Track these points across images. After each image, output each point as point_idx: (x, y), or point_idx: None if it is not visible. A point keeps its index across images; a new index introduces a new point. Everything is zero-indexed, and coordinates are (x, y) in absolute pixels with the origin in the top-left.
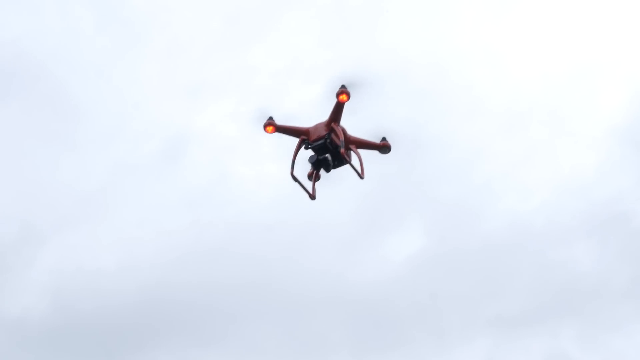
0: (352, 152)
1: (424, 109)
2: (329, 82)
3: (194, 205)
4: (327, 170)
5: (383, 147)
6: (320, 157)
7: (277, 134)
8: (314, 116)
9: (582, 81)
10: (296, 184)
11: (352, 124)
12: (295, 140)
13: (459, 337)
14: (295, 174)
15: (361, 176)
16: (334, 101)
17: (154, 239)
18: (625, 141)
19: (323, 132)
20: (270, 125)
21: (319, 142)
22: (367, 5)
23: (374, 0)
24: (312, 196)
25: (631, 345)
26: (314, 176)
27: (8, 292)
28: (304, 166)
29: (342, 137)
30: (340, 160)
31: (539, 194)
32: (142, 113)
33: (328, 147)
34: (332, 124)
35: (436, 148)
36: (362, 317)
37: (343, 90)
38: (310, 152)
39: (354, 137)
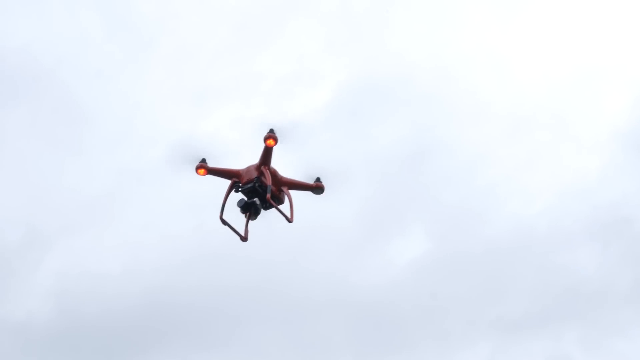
0: (284, 194)
1: (429, 114)
2: (262, 129)
3: (198, 209)
4: (257, 213)
5: (316, 188)
6: (249, 201)
7: (209, 177)
8: (319, 122)
9: (585, 86)
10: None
11: (288, 166)
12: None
13: (462, 340)
14: (224, 217)
15: (289, 220)
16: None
17: (158, 242)
18: (628, 145)
19: (253, 175)
20: (202, 167)
21: (249, 185)
22: (372, 10)
23: (379, 6)
24: (244, 238)
25: (634, 348)
26: (247, 217)
27: (13, 296)
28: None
29: (269, 182)
30: (269, 203)
31: (542, 198)
32: (148, 119)
33: (257, 190)
34: (262, 168)
35: (440, 152)
36: (366, 320)
37: (270, 135)
38: (240, 196)
39: (286, 179)
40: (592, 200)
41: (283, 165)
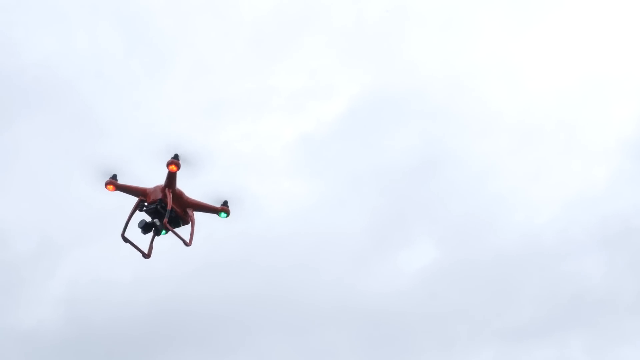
0: (188, 215)
1: (440, 124)
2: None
3: (209, 219)
4: (158, 234)
5: (222, 211)
6: (149, 222)
7: (117, 193)
8: (331, 135)
9: (594, 96)
10: (128, 244)
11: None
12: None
13: (468, 348)
14: (127, 235)
15: (187, 244)
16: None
17: (168, 251)
18: (636, 155)
19: (158, 196)
20: (111, 184)
21: (152, 206)
22: (385, 25)
23: (391, 20)
24: (147, 255)
25: (639, 357)
26: (153, 234)
27: (24, 304)
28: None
29: (169, 206)
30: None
31: (550, 207)
32: (163, 132)
33: (160, 212)
34: (166, 190)
35: (450, 162)
36: (373, 328)
37: (173, 161)
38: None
39: (192, 200)
40: (599, 210)
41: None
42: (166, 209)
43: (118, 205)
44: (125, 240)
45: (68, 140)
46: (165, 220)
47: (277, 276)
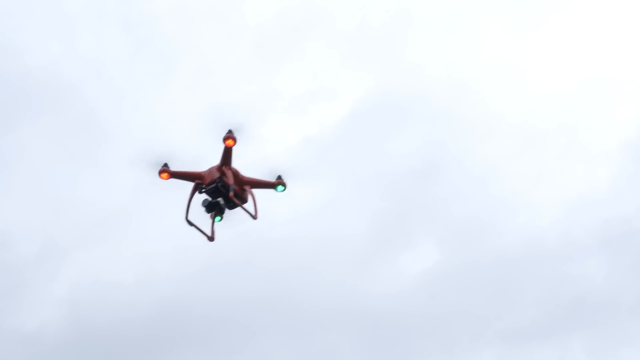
0: (247, 192)
1: (443, 127)
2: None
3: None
4: (222, 213)
5: (278, 185)
6: (213, 201)
7: (172, 180)
8: (334, 138)
9: (596, 98)
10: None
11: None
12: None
13: (470, 350)
14: (190, 218)
15: (254, 217)
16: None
17: (171, 253)
18: (638, 157)
19: (215, 176)
20: (165, 172)
21: (212, 185)
22: (388, 28)
23: (394, 23)
24: (211, 238)
25: None
26: (213, 216)
27: (27, 306)
28: None
29: (231, 181)
30: (233, 202)
31: (552, 210)
32: (166, 135)
33: (221, 190)
34: (224, 168)
35: (452, 165)
36: (375, 329)
37: (229, 136)
38: (204, 196)
39: (247, 178)
40: (601, 212)
41: (245, 165)
42: (226, 187)
43: (121, 206)
44: (190, 223)
45: (72, 143)
46: (231, 194)
47: (280, 278)
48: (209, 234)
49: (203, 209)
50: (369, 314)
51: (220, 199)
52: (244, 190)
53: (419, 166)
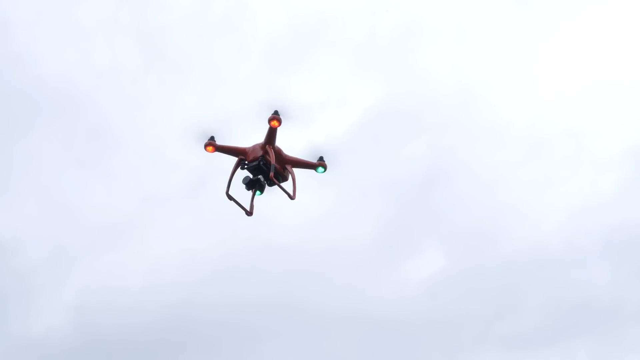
0: (287, 172)
1: (450, 135)
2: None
3: (218, 227)
4: (261, 191)
5: (319, 166)
6: (254, 178)
7: (217, 154)
8: (342, 146)
9: (602, 104)
10: (232, 202)
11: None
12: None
13: (474, 355)
14: (231, 192)
15: (291, 197)
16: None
17: (178, 258)
18: None
19: (258, 153)
20: (211, 145)
21: (254, 163)
22: (397, 36)
23: (404, 32)
24: (249, 213)
25: None
26: (253, 192)
27: (34, 312)
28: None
29: (273, 161)
30: (272, 181)
31: (557, 216)
32: (176, 145)
33: (262, 168)
34: (267, 146)
35: (459, 172)
36: (380, 335)
37: (275, 117)
38: (246, 173)
39: (290, 157)
40: (606, 218)
41: (288, 144)
42: (268, 166)
43: (129, 214)
44: (230, 198)
45: (82, 151)
46: (272, 174)
47: (286, 283)
48: (248, 208)
49: (244, 185)
50: (375, 319)
51: (260, 177)
52: (285, 169)
53: (426, 173)
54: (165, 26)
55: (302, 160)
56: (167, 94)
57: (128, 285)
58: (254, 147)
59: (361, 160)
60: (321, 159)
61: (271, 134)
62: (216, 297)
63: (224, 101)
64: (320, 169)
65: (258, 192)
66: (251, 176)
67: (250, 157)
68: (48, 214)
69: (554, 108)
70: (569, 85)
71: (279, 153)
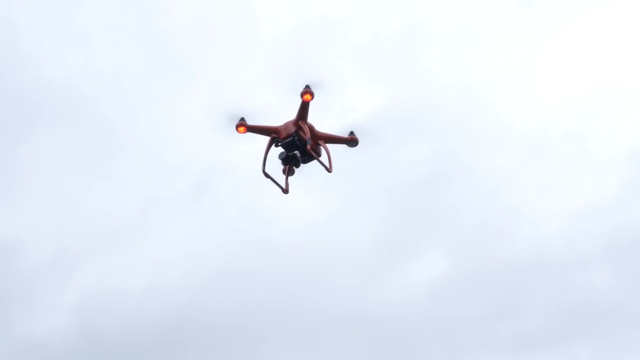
0: (321, 147)
1: (453, 138)
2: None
3: (221, 229)
4: (297, 166)
5: (351, 141)
6: (290, 154)
7: (249, 134)
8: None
9: (603, 106)
10: (268, 179)
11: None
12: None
13: (475, 357)
14: (267, 170)
15: (329, 170)
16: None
17: (180, 260)
18: None
19: (291, 130)
20: (242, 125)
21: (288, 139)
22: (400, 39)
23: (407, 35)
24: (285, 190)
25: None
26: (287, 171)
27: (37, 314)
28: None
29: (308, 134)
30: (309, 155)
31: (559, 218)
32: (179, 148)
33: (297, 144)
34: (300, 122)
35: (461, 174)
36: (382, 336)
37: (307, 90)
38: (281, 150)
39: (322, 133)
40: (607, 220)
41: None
42: (302, 141)
43: (132, 216)
44: (267, 175)
45: (86, 153)
46: (309, 147)
47: (289, 285)
48: (284, 186)
49: (280, 161)
50: (377, 320)
51: (296, 152)
52: (318, 145)
53: (428, 175)
54: (170, 30)
55: (334, 135)
56: (171, 97)
57: (130, 287)
58: (286, 124)
59: (364, 163)
60: (352, 133)
61: (304, 109)
62: (218, 299)
63: (227, 103)
64: (352, 143)
65: (302, 163)
66: (287, 152)
67: (283, 135)
68: (51, 216)
69: (556, 111)
70: (571, 88)
71: (311, 129)
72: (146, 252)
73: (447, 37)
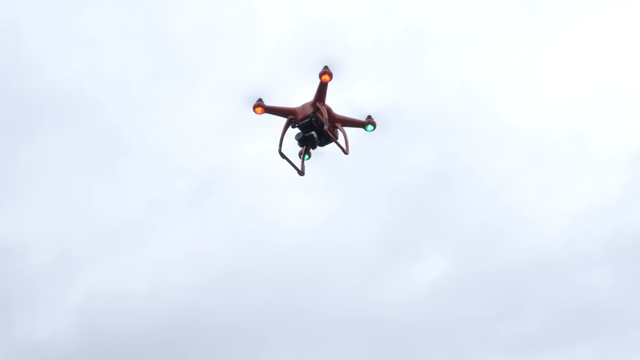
0: (337, 130)
1: (455, 140)
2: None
3: (223, 231)
4: (314, 147)
5: (368, 124)
6: (307, 135)
7: (266, 115)
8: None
9: (605, 108)
10: (284, 160)
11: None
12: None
13: (477, 358)
14: (283, 151)
15: (345, 152)
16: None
17: (183, 261)
18: None
19: (309, 111)
20: (259, 106)
21: (305, 120)
22: (403, 41)
23: (409, 37)
24: (301, 172)
25: None
26: (302, 153)
27: (40, 316)
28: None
29: (326, 116)
30: (326, 137)
31: (561, 220)
32: (183, 151)
33: (314, 125)
34: (317, 103)
35: (463, 177)
36: (384, 338)
37: (325, 71)
38: (297, 131)
39: (339, 116)
40: (609, 222)
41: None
42: (319, 123)
43: (135, 218)
44: (283, 156)
45: (90, 156)
46: (326, 127)
47: (290, 287)
48: (300, 168)
49: (296, 142)
50: (379, 322)
51: (313, 133)
52: (335, 128)
53: (430, 178)
54: (174, 33)
55: (352, 118)
56: (174, 99)
57: (133, 289)
58: (303, 105)
59: (366, 165)
60: (369, 117)
61: (322, 90)
62: (220, 301)
63: (231, 107)
64: (370, 126)
65: (306, 157)
66: (304, 133)
67: (301, 116)
68: (54, 218)
69: (559, 113)
70: (573, 90)
71: (328, 111)
72: (149, 254)
73: (449, 40)
